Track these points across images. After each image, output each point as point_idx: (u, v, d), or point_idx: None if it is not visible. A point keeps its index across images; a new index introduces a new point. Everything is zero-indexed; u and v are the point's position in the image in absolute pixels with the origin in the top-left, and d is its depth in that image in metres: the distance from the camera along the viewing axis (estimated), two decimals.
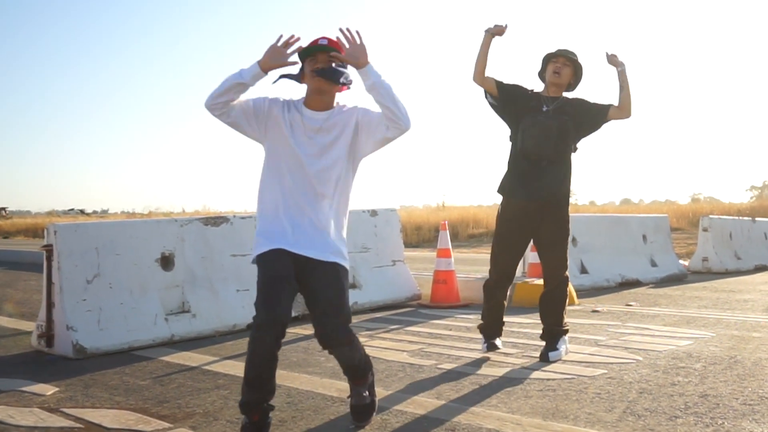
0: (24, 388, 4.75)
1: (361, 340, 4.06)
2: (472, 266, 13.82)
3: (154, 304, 6.31)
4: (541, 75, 5.63)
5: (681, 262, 13.04)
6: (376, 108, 3.72)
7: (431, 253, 9.33)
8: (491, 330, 5.66)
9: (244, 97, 3.71)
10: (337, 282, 3.70)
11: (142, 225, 6.61)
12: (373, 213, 8.61)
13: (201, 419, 4.01)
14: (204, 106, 3.67)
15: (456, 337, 6.38)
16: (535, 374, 4.94)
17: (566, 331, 5.59)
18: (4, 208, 52.21)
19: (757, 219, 16.26)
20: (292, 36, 3.64)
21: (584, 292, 9.60)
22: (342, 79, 3.72)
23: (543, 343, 5.53)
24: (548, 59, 5.54)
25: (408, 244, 15.63)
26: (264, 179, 3.81)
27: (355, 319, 4.11)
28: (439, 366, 5.23)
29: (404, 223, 16.86)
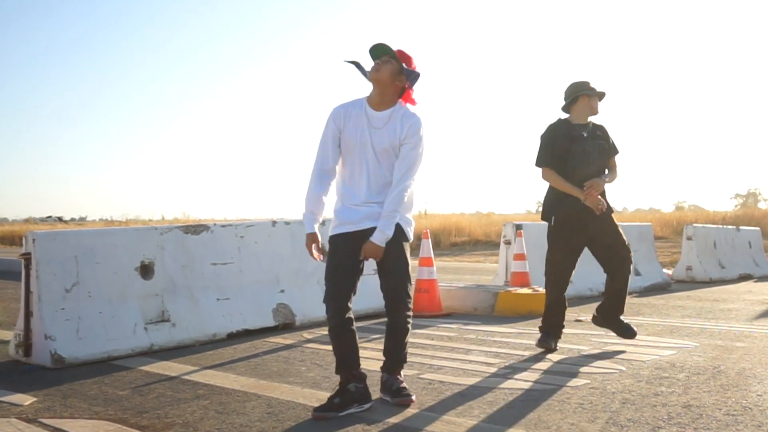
0: (1, 398, 4.69)
1: None
2: (455, 275, 13.81)
3: (134, 313, 6.25)
4: (571, 106, 6.08)
5: (665, 271, 13.08)
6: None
7: (413, 262, 9.27)
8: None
9: (325, 150, 4.31)
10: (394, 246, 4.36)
11: (122, 233, 6.55)
12: None
13: (180, 429, 3.96)
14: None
15: (438, 347, 6.35)
16: (518, 384, 4.91)
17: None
18: None
19: (741, 227, 16.32)
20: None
21: (567, 302, 9.57)
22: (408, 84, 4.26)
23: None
24: (582, 94, 5.99)
25: None
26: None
27: None
28: (421, 376, 5.19)
29: None
